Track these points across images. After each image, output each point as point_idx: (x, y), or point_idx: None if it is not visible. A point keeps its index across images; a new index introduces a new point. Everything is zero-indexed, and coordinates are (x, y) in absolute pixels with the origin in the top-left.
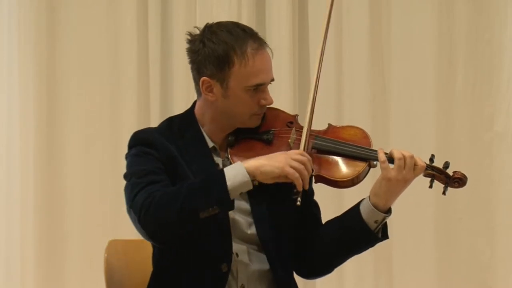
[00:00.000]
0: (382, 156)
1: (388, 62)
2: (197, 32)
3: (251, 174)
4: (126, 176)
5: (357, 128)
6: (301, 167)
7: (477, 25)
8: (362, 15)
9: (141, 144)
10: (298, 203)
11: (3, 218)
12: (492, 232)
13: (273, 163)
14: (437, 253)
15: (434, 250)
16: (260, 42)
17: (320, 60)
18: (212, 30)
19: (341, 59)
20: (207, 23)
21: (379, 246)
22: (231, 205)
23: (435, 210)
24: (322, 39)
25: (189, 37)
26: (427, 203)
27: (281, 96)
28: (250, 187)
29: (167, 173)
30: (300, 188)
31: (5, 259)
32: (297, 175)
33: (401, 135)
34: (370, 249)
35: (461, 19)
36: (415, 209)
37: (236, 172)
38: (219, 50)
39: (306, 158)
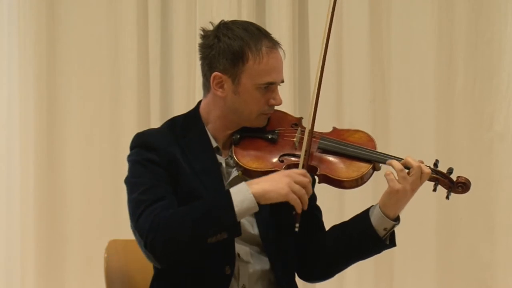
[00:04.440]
0: (397, 165)
1: (388, 62)
2: (211, 28)
3: (257, 200)
4: (127, 184)
5: (362, 132)
6: (302, 192)
7: (477, 25)
8: (362, 15)
9: (142, 147)
10: (296, 229)
11: (3, 218)
12: (492, 232)
13: (277, 189)
14: (437, 253)
15: (434, 250)
16: (274, 42)
17: (323, 61)
18: (228, 26)
19: (341, 59)
20: (221, 20)
21: None
22: (239, 231)
23: (436, 210)
24: (325, 42)
25: (202, 33)
26: (428, 203)
27: (281, 96)
28: (256, 210)
29: (168, 176)
30: (299, 211)
31: (5, 259)
32: (298, 201)
33: (401, 135)
34: None
35: (461, 19)
36: (416, 210)
37: (243, 197)
38: (235, 45)
39: (307, 179)
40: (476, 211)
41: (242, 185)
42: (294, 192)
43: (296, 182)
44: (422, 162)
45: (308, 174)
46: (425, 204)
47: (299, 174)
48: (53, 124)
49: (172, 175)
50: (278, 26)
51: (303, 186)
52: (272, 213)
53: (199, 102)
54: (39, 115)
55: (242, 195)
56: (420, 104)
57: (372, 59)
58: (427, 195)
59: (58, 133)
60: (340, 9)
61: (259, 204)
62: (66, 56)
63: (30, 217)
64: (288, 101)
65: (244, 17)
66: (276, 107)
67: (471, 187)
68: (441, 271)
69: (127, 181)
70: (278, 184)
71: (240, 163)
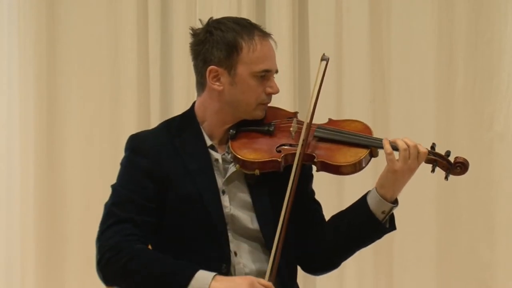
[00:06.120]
0: (388, 148)
1: (388, 62)
2: (200, 26)
3: None
4: (111, 189)
5: (358, 121)
6: None
7: (477, 25)
8: (362, 15)
9: (134, 151)
10: None
11: (3, 218)
12: (492, 232)
13: None
14: (437, 253)
15: (434, 250)
16: (265, 33)
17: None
18: (218, 21)
19: (341, 59)
20: (210, 17)
21: (380, 245)
22: None
23: (436, 210)
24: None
25: (191, 32)
26: (428, 203)
27: (281, 96)
28: None
29: (155, 185)
30: None
31: (5, 259)
32: None
33: (401, 135)
34: (371, 250)
35: (461, 19)
36: (415, 209)
37: (200, 287)
38: (228, 36)
39: None
40: (476, 211)
41: (209, 276)
42: None
43: None
44: (420, 144)
45: (272, 287)
46: (425, 204)
47: (264, 285)
48: (53, 124)
49: (160, 182)
50: (278, 26)
51: None
52: (272, 205)
53: (194, 103)
54: (39, 115)
55: (201, 284)
56: (420, 104)
57: (372, 59)
58: (427, 194)
59: (58, 133)
60: (340, 9)
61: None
62: (66, 56)
63: (30, 217)
64: (288, 101)
65: (244, 17)
66: (271, 104)
67: (471, 187)
68: (441, 271)
69: (112, 186)
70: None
71: (238, 156)
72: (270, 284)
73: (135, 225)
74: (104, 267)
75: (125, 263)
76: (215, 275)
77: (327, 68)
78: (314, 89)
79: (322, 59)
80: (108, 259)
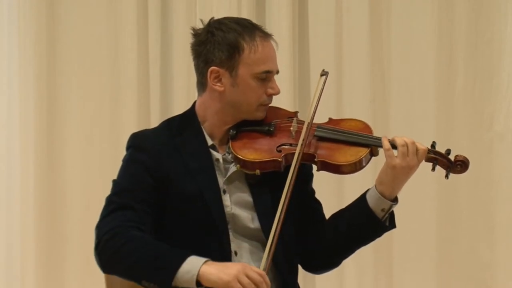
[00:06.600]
0: (386, 144)
1: (388, 62)
2: (201, 26)
3: (199, 278)
4: (112, 183)
5: (358, 120)
6: (250, 286)
7: (477, 25)
8: (362, 15)
9: (134, 148)
10: None
11: (3, 218)
12: (492, 232)
13: (221, 274)
14: (437, 253)
15: (434, 250)
16: (266, 33)
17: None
18: (219, 21)
19: (341, 59)
20: (211, 17)
21: (380, 246)
22: None
23: (436, 210)
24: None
25: (192, 32)
26: (428, 202)
27: (281, 96)
28: (194, 287)
29: (155, 180)
30: None
31: (5, 259)
32: None
33: (401, 135)
34: (371, 249)
35: (461, 19)
36: (416, 210)
37: (190, 269)
38: (230, 37)
39: (261, 279)
40: (476, 211)
41: (201, 260)
42: (242, 284)
43: (248, 276)
44: (419, 142)
45: (266, 277)
46: (425, 204)
47: (256, 272)
48: (53, 124)
49: (161, 181)
50: (278, 26)
51: (254, 283)
52: (273, 205)
53: (195, 102)
54: (39, 115)
55: (192, 266)
56: (420, 104)
57: (372, 59)
58: (427, 195)
59: (58, 133)
60: (340, 9)
61: (200, 283)
62: (66, 56)
63: (30, 217)
64: (288, 101)
65: (244, 17)
66: (271, 104)
67: (471, 187)
68: (441, 271)
69: (114, 180)
70: (226, 270)
71: (239, 156)
72: (263, 272)
73: (134, 212)
74: (101, 251)
75: (120, 246)
76: (207, 260)
77: (329, 66)
78: (313, 101)
79: (321, 75)
80: (105, 242)
